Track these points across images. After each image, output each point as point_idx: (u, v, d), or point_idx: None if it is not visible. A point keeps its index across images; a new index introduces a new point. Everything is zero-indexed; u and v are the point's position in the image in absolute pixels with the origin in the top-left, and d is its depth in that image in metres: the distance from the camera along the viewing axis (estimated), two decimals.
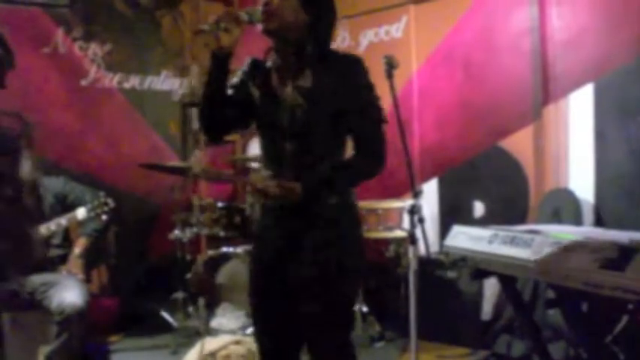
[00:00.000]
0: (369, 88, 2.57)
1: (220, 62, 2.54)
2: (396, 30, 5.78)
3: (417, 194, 2.84)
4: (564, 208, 4.49)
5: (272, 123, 2.59)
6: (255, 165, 5.72)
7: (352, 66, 2.55)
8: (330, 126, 2.51)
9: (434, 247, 5.07)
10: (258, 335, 2.75)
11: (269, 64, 2.64)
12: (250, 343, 4.36)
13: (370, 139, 2.56)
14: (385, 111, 2.58)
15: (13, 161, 4.16)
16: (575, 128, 4.70)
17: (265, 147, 2.67)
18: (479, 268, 3.36)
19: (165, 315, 5.26)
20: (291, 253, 2.56)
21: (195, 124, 6.49)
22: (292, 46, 2.55)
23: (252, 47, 2.73)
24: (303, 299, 2.54)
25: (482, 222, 5.01)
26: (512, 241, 3.13)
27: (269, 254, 2.64)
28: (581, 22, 4.63)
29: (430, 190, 5.55)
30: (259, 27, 2.52)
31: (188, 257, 5.18)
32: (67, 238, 4.43)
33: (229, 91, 2.64)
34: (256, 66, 2.69)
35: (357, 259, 2.60)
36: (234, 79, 2.69)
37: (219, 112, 2.62)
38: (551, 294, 3.85)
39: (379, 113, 2.56)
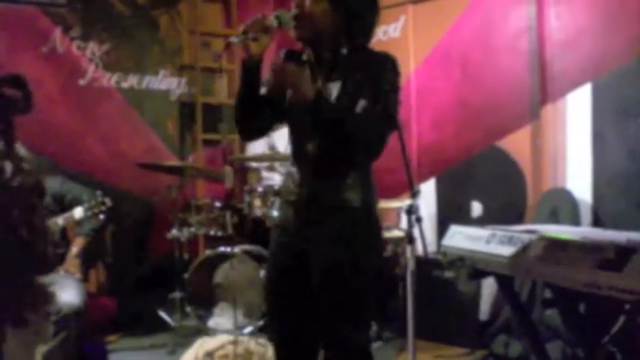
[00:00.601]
0: (389, 82, 2.48)
1: (251, 70, 2.53)
2: (393, 30, 5.78)
3: (414, 194, 2.84)
4: (562, 208, 4.49)
5: (298, 120, 2.60)
6: (254, 165, 5.72)
7: (380, 63, 2.50)
8: None
9: (432, 247, 5.07)
10: (275, 334, 2.76)
11: (304, 57, 2.63)
12: (247, 343, 4.36)
13: (365, 121, 2.42)
14: (398, 117, 2.51)
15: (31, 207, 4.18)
16: (573, 128, 4.71)
17: (291, 144, 2.68)
18: (476, 268, 3.36)
19: (163, 314, 5.26)
20: (308, 248, 2.57)
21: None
22: (327, 48, 2.55)
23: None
24: (320, 298, 2.55)
25: (480, 222, 5.01)
26: (510, 241, 3.13)
27: (286, 250, 2.66)
28: (578, 21, 4.64)
29: (428, 189, 5.55)
30: (292, 33, 2.52)
31: (186, 257, 5.18)
32: (64, 237, 4.43)
33: (264, 89, 2.63)
34: (291, 58, 2.66)
35: (373, 260, 2.60)
36: (268, 75, 2.67)
37: (255, 116, 2.63)
38: (548, 294, 3.85)
39: (386, 109, 2.46)
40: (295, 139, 2.66)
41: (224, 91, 6.50)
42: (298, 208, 2.61)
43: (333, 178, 2.53)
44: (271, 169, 5.37)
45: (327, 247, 2.52)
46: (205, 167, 6.20)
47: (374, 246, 2.64)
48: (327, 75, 2.54)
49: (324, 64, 2.56)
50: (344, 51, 2.52)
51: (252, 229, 5.10)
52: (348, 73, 2.49)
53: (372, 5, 2.61)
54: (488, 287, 4.81)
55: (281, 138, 5.15)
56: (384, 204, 5.05)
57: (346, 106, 2.43)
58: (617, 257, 2.59)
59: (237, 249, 4.92)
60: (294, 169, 2.64)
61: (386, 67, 2.49)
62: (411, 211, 2.80)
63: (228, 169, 5.06)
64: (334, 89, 2.50)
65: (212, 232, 5.12)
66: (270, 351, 4.21)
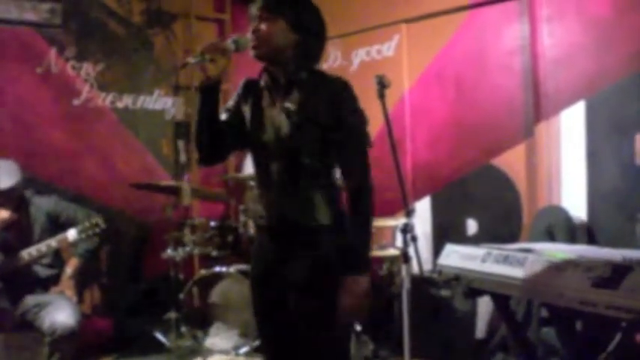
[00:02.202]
0: (354, 114, 2.55)
1: (209, 92, 2.58)
2: (387, 49, 5.80)
3: (409, 213, 2.85)
4: (557, 225, 4.49)
5: (260, 143, 2.62)
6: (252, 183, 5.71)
7: (339, 91, 2.55)
8: (316, 147, 2.53)
9: (427, 265, 5.05)
10: (264, 353, 2.80)
11: (262, 83, 2.67)
12: None
13: (353, 168, 2.55)
14: (370, 136, 2.58)
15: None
16: (568, 146, 4.71)
17: (255, 167, 2.71)
18: (472, 286, 3.36)
19: (158, 335, 5.23)
20: (283, 271, 2.59)
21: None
22: (282, 67, 2.58)
23: (247, 68, 2.74)
24: (297, 317, 2.58)
25: (475, 240, 5.00)
26: (505, 260, 3.13)
27: (263, 273, 2.69)
28: (572, 39, 4.66)
29: (423, 208, 5.55)
30: (250, 53, 2.56)
31: (181, 277, 5.16)
32: (58, 258, 4.41)
33: (224, 116, 2.68)
34: (250, 86, 2.71)
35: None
36: (230, 102, 2.72)
37: (214, 139, 2.64)
38: (545, 312, 3.85)
39: (362, 140, 2.56)
40: (259, 162, 2.68)
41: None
42: (269, 231, 2.65)
43: (300, 198, 2.55)
44: None
45: (300, 268, 2.55)
46: (201, 187, 6.19)
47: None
48: (284, 96, 2.58)
49: (280, 86, 2.60)
50: (298, 72, 2.56)
51: (247, 249, 5.09)
52: (304, 96, 2.54)
53: (323, 28, 2.66)
54: (485, 305, 4.79)
55: None
56: (379, 222, 5.05)
57: (306, 132, 2.51)
58: (613, 275, 2.59)
59: (232, 268, 4.90)
60: (261, 192, 2.68)
61: (343, 95, 2.55)
62: (406, 229, 2.81)
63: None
64: (293, 107, 2.54)
65: (207, 252, 5.11)
66: None
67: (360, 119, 2.57)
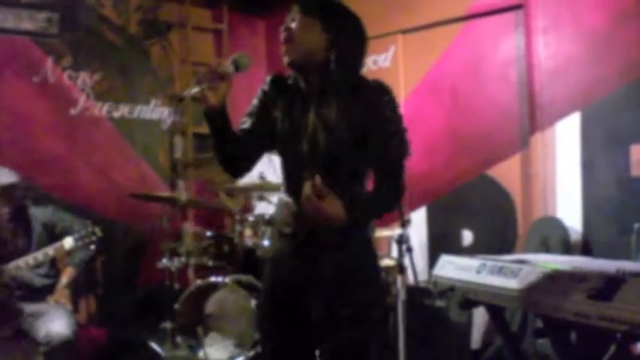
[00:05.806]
0: (395, 120, 2.43)
1: (215, 119, 2.42)
2: (384, 59, 5.82)
3: (405, 223, 2.86)
4: (552, 236, 4.50)
5: (292, 150, 2.49)
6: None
7: (380, 96, 2.42)
8: (352, 157, 2.42)
9: (423, 276, 5.06)
10: None
11: (290, 81, 2.53)
12: None
13: (391, 173, 2.45)
14: (410, 144, 2.46)
15: None
16: (563, 157, 4.73)
17: (285, 174, 2.59)
18: (467, 297, 3.36)
19: (154, 345, 5.21)
20: (307, 285, 2.49)
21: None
22: (317, 72, 2.44)
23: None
24: (321, 334, 2.49)
25: (471, 250, 5.01)
26: (500, 271, 3.13)
27: (283, 286, 2.56)
28: (567, 51, 4.68)
29: (419, 218, 5.56)
30: (283, 60, 2.43)
31: (177, 286, 5.15)
32: (54, 267, 4.41)
33: (247, 123, 2.54)
34: (278, 84, 2.56)
35: (375, 293, 2.56)
36: (254, 103, 2.57)
37: (238, 157, 2.54)
38: (539, 323, 3.85)
39: (402, 147, 2.43)
40: (290, 169, 2.55)
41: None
42: (294, 241, 2.51)
43: None
44: (262, 198, 5.36)
45: (327, 283, 2.45)
46: (200, 199, 6.18)
47: (374, 280, 2.58)
48: (319, 100, 2.45)
49: (314, 88, 2.47)
50: (334, 78, 2.42)
51: (243, 259, 5.08)
52: (342, 104, 2.41)
53: (361, 32, 2.51)
54: (480, 316, 4.80)
55: (270, 167, 5.18)
56: (375, 233, 5.04)
57: (344, 140, 2.39)
58: (607, 287, 2.60)
59: (227, 279, 4.90)
60: (289, 200, 2.52)
61: (383, 100, 2.43)
62: (402, 240, 2.82)
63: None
64: (330, 115, 2.42)
65: (202, 262, 5.10)
66: None
67: (400, 126, 2.45)
